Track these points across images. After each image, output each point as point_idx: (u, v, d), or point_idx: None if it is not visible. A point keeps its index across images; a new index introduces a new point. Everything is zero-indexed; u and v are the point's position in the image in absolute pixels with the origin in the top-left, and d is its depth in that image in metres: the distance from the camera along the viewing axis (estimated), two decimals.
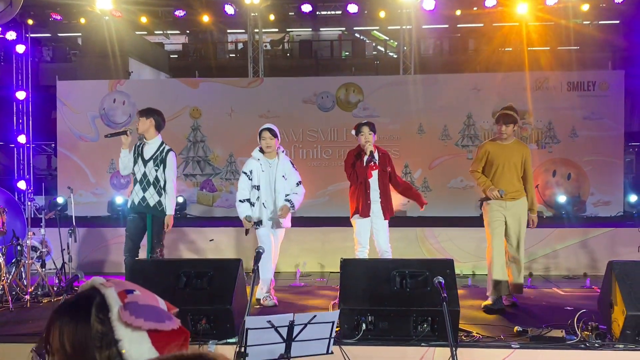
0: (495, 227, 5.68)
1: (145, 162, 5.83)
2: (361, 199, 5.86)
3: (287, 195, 5.87)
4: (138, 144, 5.93)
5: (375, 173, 5.90)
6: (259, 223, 5.83)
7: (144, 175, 5.81)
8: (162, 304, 1.30)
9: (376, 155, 5.83)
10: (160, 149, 5.87)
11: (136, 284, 1.33)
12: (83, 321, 1.17)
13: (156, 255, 5.70)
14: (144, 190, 5.79)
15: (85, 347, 1.15)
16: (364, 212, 5.85)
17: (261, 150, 5.89)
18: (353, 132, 6.04)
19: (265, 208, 5.83)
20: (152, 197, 5.79)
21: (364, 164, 5.84)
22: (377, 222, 5.90)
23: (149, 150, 5.86)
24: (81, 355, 1.14)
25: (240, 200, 5.87)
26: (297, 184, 5.95)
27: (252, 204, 5.85)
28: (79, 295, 1.22)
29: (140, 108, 6.15)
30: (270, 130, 5.84)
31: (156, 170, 5.81)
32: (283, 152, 5.99)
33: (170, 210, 5.86)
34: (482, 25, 16.55)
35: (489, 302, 5.63)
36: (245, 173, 5.88)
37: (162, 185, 5.81)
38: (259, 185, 5.82)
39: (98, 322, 1.18)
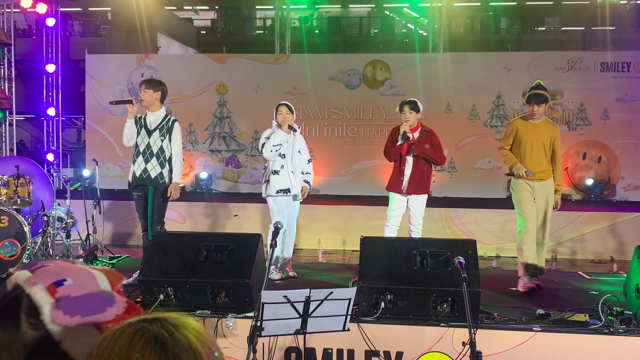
0: (527, 213, 5.53)
1: (149, 133, 5.65)
2: (394, 175, 5.97)
3: (302, 173, 5.98)
4: (139, 115, 5.75)
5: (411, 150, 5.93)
6: (287, 190, 5.83)
7: (148, 145, 5.63)
8: (103, 282, 1.10)
9: (415, 134, 5.87)
10: (166, 119, 5.71)
11: (70, 264, 1.11)
12: (11, 329, 1.00)
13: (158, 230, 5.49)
14: (147, 161, 5.61)
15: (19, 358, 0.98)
16: (395, 187, 5.93)
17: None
18: (397, 109, 6.08)
19: (294, 175, 5.86)
20: (154, 169, 5.61)
21: (396, 143, 5.91)
22: (412, 198, 5.92)
23: (153, 121, 5.69)
24: None
25: (274, 145, 5.74)
26: (308, 161, 6.09)
27: (276, 172, 5.82)
28: (5, 298, 1.04)
29: (146, 79, 5.93)
30: (287, 105, 5.91)
31: (162, 141, 5.63)
32: (299, 128, 6.05)
33: (177, 178, 5.67)
34: (514, 3, 16.21)
35: (522, 286, 5.51)
36: (267, 138, 5.82)
37: (165, 157, 5.64)
38: (284, 154, 5.84)
39: (31, 329, 1.01)
